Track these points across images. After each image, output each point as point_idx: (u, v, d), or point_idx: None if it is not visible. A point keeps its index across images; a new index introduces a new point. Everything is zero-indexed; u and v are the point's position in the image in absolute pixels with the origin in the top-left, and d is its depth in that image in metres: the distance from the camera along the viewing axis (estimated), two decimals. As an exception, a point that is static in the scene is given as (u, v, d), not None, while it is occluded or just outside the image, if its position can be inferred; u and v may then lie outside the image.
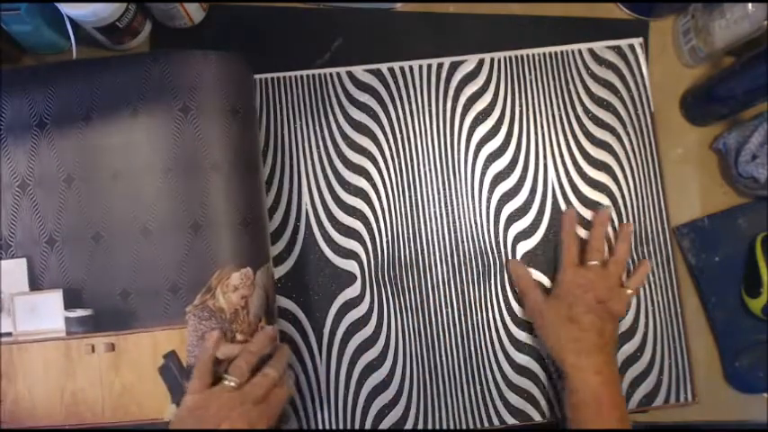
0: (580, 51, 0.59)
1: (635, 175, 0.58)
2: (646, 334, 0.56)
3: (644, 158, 0.58)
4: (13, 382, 0.47)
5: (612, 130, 0.58)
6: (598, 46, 0.59)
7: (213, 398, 0.43)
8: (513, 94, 0.58)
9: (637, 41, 0.59)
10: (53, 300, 0.48)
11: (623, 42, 0.59)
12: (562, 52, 0.59)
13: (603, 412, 0.47)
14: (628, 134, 0.58)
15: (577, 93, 0.58)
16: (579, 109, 0.58)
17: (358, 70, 0.58)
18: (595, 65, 0.59)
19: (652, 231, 0.57)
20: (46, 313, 0.48)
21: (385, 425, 0.54)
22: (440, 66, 0.58)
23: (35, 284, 0.48)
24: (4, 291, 0.48)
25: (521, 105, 0.58)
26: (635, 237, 0.57)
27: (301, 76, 0.58)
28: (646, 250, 0.57)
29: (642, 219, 0.57)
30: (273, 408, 0.44)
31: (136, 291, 0.48)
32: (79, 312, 0.48)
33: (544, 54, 0.59)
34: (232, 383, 0.44)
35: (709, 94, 0.59)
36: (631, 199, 0.58)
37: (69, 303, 0.48)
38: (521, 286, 0.55)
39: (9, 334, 0.48)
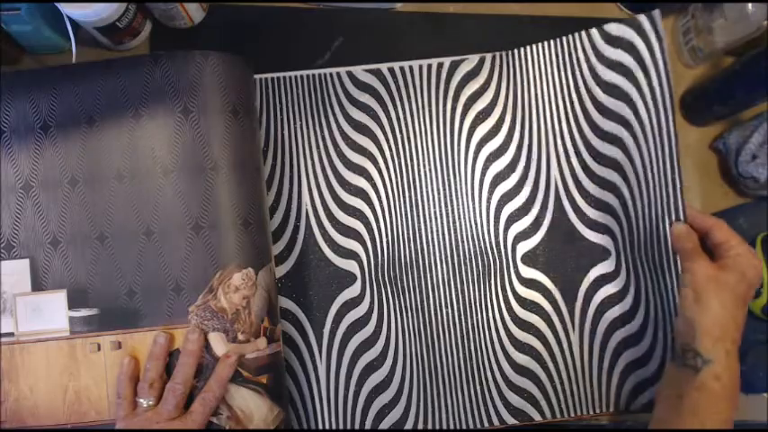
0: (589, 34, 0.56)
1: (647, 168, 0.53)
2: (654, 341, 0.54)
3: (660, 149, 0.52)
4: (14, 382, 0.48)
5: (624, 122, 0.54)
6: (611, 25, 0.55)
7: (135, 422, 0.45)
8: (514, 90, 0.57)
9: (656, 11, 0.53)
10: (57, 300, 0.48)
11: (642, 17, 0.54)
12: (567, 40, 0.56)
13: (732, 407, 0.44)
14: (642, 124, 0.53)
15: (584, 81, 0.56)
16: (587, 98, 0.56)
17: (358, 70, 0.58)
18: (607, 47, 0.55)
19: (665, 231, 0.51)
20: (49, 313, 0.48)
21: (385, 425, 0.54)
22: (440, 66, 0.58)
23: (38, 285, 0.48)
24: (6, 291, 0.48)
25: (522, 102, 0.57)
26: (647, 237, 0.53)
27: (301, 76, 0.58)
28: (657, 254, 0.52)
29: (655, 216, 0.52)
30: (200, 415, 0.45)
31: (141, 290, 0.48)
32: (84, 312, 0.48)
33: (548, 45, 0.57)
34: (150, 402, 0.46)
35: (709, 94, 0.59)
36: (642, 196, 0.53)
37: (73, 303, 0.48)
38: (688, 248, 0.48)
39: (11, 334, 0.48)
